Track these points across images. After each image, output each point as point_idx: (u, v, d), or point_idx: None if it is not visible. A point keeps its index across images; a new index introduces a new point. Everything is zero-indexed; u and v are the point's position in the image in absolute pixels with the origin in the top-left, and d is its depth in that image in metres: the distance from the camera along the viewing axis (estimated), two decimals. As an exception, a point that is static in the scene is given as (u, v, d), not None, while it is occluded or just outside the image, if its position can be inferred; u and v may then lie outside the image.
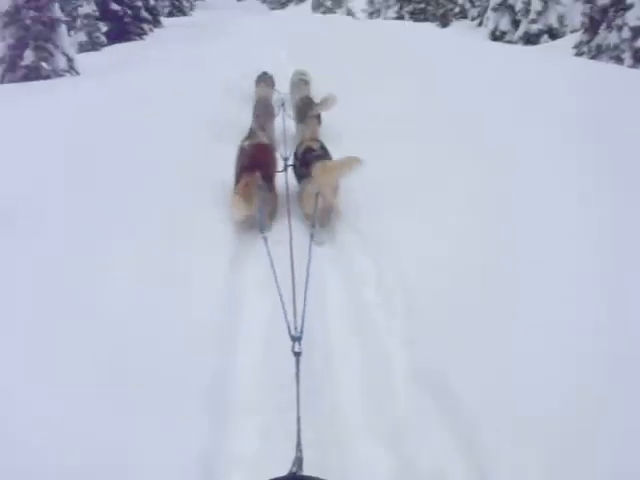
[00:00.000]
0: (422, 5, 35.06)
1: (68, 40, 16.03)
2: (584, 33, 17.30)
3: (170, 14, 51.69)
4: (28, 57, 15.05)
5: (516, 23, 23.17)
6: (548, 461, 2.95)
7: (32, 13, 15.21)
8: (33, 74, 15.06)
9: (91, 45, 22.08)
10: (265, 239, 4.67)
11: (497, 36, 23.63)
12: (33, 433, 3.06)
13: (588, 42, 17.05)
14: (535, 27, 21.93)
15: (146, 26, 28.59)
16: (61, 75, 15.35)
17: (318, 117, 7.28)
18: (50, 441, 3.03)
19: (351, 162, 5.13)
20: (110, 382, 3.33)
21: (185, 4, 55.55)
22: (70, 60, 15.71)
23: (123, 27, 26.68)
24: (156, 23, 33.76)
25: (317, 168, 5.25)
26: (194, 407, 3.30)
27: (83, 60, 17.81)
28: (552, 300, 3.89)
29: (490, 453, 3.06)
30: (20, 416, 3.16)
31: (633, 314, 3.66)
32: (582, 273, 4.08)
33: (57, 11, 15.64)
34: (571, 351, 3.49)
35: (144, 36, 28.38)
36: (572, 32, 18.74)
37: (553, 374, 3.36)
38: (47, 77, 15.18)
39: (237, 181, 5.34)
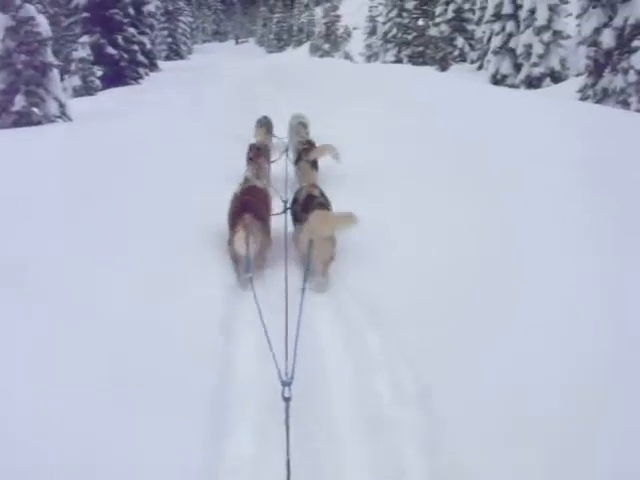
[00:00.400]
0: (421, 48, 34.96)
1: (60, 85, 15.57)
2: (588, 76, 16.89)
3: (167, 57, 52.07)
4: (19, 102, 14.56)
5: (517, 66, 22.84)
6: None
7: (23, 57, 14.77)
8: (24, 120, 14.58)
9: (85, 90, 21.68)
10: (251, 279, 4.83)
11: (498, 80, 23.31)
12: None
13: (593, 85, 16.64)
14: (537, 70, 21.57)
15: (142, 70, 28.35)
16: (52, 121, 14.87)
17: (314, 162, 7.52)
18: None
19: (349, 219, 5.27)
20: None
21: (183, 48, 55.88)
22: (62, 106, 15.24)
23: (119, 71, 26.42)
24: (153, 67, 33.65)
25: (315, 216, 5.34)
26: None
27: (77, 105, 17.44)
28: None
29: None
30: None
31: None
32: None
33: (49, 55, 15.19)
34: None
35: (140, 80, 28.10)
36: (577, 75, 18.32)
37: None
38: (38, 123, 14.72)
39: (230, 223, 5.44)
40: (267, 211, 5.92)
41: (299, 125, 9.16)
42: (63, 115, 15.29)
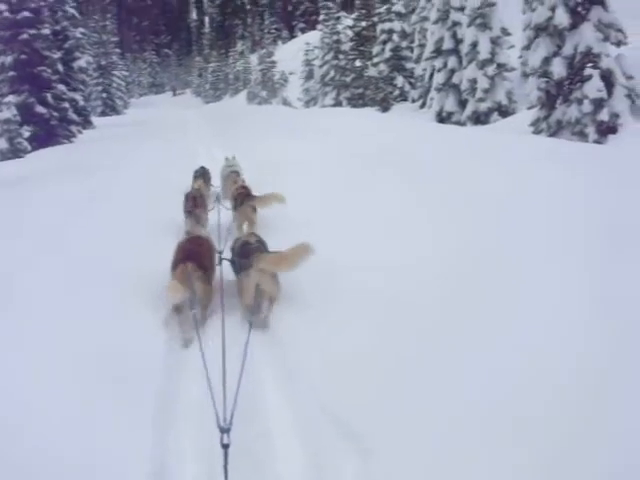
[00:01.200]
0: (360, 90, 34.41)
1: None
2: (541, 109, 16.23)
3: (103, 113, 51.12)
4: None
5: (462, 103, 22.15)
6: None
7: None
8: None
9: (12, 152, 20.31)
10: (195, 315, 4.89)
11: (444, 117, 22.61)
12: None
13: (546, 118, 15.98)
14: (484, 105, 20.80)
15: (75, 128, 27.02)
16: (-30, 189, 13.58)
17: (254, 207, 7.66)
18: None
19: (301, 252, 5.21)
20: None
21: (118, 102, 54.86)
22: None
23: (50, 130, 25.03)
24: (87, 124, 32.48)
25: (261, 260, 5.30)
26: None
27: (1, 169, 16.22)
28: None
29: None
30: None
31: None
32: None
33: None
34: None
35: (73, 138, 26.81)
36: (528, 108, 17.65)
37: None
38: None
39: (173, 269, 5.47)
40: (210, 261, 5.95)
41: (232, 174, 9.32)
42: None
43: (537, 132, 16.09)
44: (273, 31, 76.42)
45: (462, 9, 22.20)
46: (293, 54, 60.22)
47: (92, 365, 4.24)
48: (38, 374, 4.07)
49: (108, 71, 53.70)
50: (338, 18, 39.10)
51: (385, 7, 32.00)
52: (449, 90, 22.72)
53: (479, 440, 3.31)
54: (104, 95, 52.82)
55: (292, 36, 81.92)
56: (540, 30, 16.00)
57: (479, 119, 21.21)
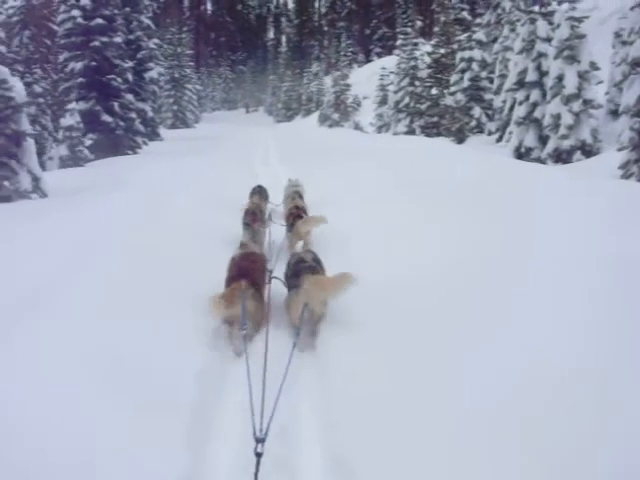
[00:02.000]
0: (435, 119, 33.31)
1: (35, 157, 13.67)
2: (632, 150, 14.91)
3: (173, 126, 51.38)
4: (-15, 175, 12.77)
5: (543, 139, 20.83)
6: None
7: (-7, 125, 13.02)
8: (-9, 195, 12.77)
9: (73, 160, 19.91)
10: (245, 336, 5.09)
11: (522, 153, 21.21)
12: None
13: (638, 161, 14.68)
14: (566, 143, 19.41)
15: (140, 139, 26.68)
16: (24, 197, 13.00)
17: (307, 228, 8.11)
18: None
19: (344, 281, 5.36)
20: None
21: (189, 116, 54.98)
22: (36, 179, 13.36)
23: (115, 140, 24.76)
24: (154, 135, 32.35)
25: (309, 281, 5.46)
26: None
27: (59, 178, 15.78)
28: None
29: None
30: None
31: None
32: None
33: (24, 123, 13.37)
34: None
35: (138, 149, 26.48)
36: (619, 149, 16.26)
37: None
38: (8, 199, 12.89)
39: (226, 285, 5.74)
40: (263, 277, 6.17)
41: (294, 194, 9.57)
42: (37, 190, 13.39)
43: (626, 176, 14.76)
44: (349, 54, 75.79)
45: (549, 40, 20.87)
46: (368, 78, 59.82)
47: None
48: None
49: (181, 84, 54.07)
50: (416, 44, 38.07)
51: (466, 35, 30.97)
52: (530, 125, 21.34)
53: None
54: (175, 107, 53.15)
55: (368, 60, 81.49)
56: (636, 65, 14.74)
57: (560, 157, 19.80)
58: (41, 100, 23.02)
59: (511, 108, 23.66)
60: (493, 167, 12.71)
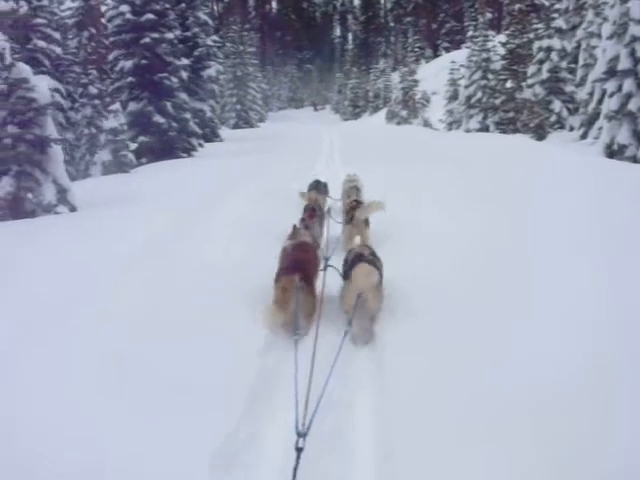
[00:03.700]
0: (510, 114, 30.90)
1: (62, 165, 12.11)
2: None
3: (236, 125, 50.44)
4: (4, 186, 11.24)
5: (638, 135, 18.46)
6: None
7: (14, 129, 11.51)
8: (12, 210, 11.27)
9: (117, 166, 18.44)
10: (296, 342, 4.85)
11: (614, 151, 18.75)
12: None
13: None
14: (669, 140, 17.05)
15: (195, 141, 25.20)
16: (48, 211, 11.47)
17: (366, 221, 7.93)
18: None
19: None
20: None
21: (253, 116, 53.92)
22: (63, 191, 11.80)
23: (167, 142, 23.32)
24: (213, 136, 31.11)
25: (360, 269, 5.51)
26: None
27: (96, 186, 14.56)
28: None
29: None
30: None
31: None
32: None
33: (49, 127, 11.83)
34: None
35: (193, 152, 25.03)
36: None
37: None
38: (32, 213, 11.40)
39: (277, 280, 5.60)
40: (315, 268, 6.10)
41: (352, 189, 9.46)
42: (65, 202, 11.83)
43: None
44: (416, 49, 74.16)
45: (645, 22, 18.51)
46: (436, 73, 58.57)
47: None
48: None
49: (244, 82, 52.98)
50: (487, 36, 35.72)
51: (544, 22, 28.60)
52: (623, 119, 18.86)
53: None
54: (238, 107, 52.14)
55: (436, 55, 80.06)
56: None
57: (662, 157, 17.41)
58: (97, 102, 21.72)
59: (599, 101, 21.25)
60: (599, 172, 10.80)
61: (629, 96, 18.86)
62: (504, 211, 8.38)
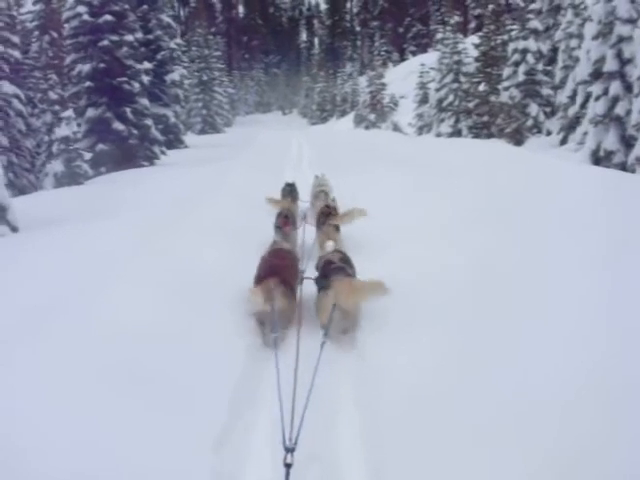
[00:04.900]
0: (485, 118, 29.97)
1: (2, 180, 10.75)
2: None
3: (202, 131, 49.50)
4: None
5: (627, 140, 17.53)
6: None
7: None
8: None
9: (70, 177, 17.01)
10: (276, 339, 4.90)
11: (601, 157, 17.81)
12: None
13: None
14: (661, 147, 16.06)
15: (157, 148, 23.83)
16: (-18, 233, 10.11)
17: (337, 226, 7.75)
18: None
19: (378, 288, 5.20)
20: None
21: (219, 121, 52.82)
22: (2, 210, 10.42)
23: (128, 150, 21.95)
24: (177, 142, 29.81)
25: (340, 283, 5.34)
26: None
27: (42, 201, 13.14)
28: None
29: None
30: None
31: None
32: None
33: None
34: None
35: (155, 160, 23.68)
36: None
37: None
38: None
39: (255, 285, 5.56)
40: (293, 274, 6.01)
41: (321, 193, 9.39)
42: (3, 222, 10.46)
43: None
44: (383, 53, 74.23)
45: (632, 21, 17.58)
46: (404, 77, 58.23)
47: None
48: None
49: (209, 87, 51.77)
50: (458, 38, 34.88)
51: (519, 24, 27.74)
52: (610, 123, 17.95)
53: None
54: (204, 112, 50.90)
55: (402, 59, 79.92)
56: None
57: (652, 165, 16.42)
58: (57, 108, 20.44)
59: (583, 104, 20.36)
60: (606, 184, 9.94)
61: (616, 99, 17.99)
62: (506, 228, 7.60)
